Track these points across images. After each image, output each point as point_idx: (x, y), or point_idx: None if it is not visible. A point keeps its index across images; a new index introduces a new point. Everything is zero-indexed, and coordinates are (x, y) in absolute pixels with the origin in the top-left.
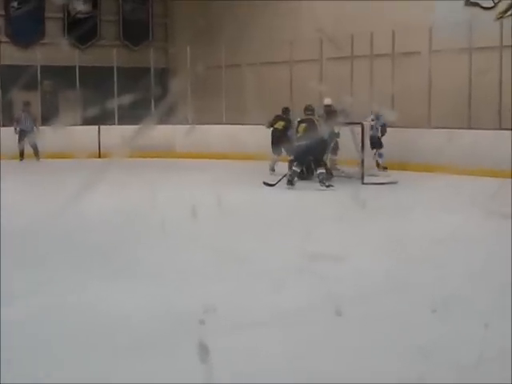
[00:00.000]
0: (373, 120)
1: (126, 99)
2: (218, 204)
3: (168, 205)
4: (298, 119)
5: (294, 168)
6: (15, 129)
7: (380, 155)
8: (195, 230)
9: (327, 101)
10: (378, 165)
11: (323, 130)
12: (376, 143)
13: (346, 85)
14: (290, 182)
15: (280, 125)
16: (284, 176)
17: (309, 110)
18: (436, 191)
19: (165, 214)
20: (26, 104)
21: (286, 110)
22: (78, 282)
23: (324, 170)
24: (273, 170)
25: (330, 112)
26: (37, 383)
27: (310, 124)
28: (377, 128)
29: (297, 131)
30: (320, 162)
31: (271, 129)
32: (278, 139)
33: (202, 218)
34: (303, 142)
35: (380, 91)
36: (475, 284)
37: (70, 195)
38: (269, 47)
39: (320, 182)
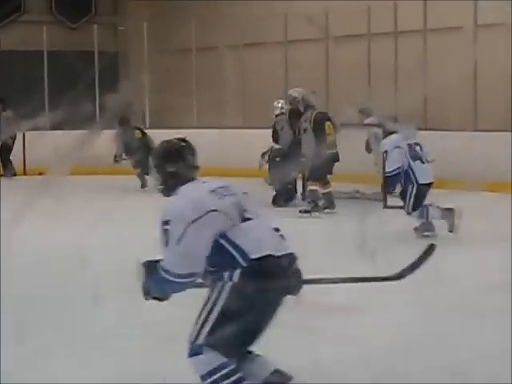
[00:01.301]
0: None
1: (61, 96)
2: None
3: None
4: None
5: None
6: None
7: None
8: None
9: (293, 92)
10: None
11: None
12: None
13: (359, 71)
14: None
15: None
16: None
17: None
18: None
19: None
20: None
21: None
22: None
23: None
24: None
25: (293, 110)
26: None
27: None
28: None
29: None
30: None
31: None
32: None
33: None
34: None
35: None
36: None
37: None
38: (256, 23)
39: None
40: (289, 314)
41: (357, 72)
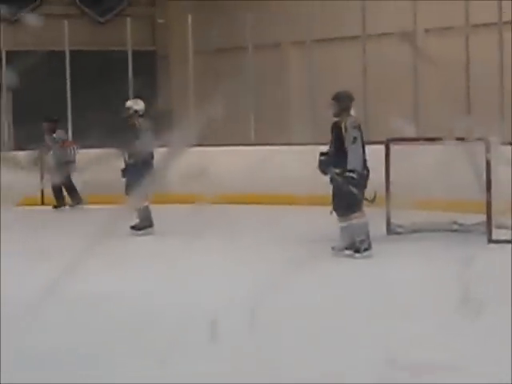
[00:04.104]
0: None
1: (86, 106)
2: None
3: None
4: None
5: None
6: None
7: None
8: None
9: (128, 103)
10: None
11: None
12: None
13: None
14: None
15: None
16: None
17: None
18: None
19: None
20: None
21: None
22: None
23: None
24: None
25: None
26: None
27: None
28: None
29: None
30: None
31: None
32: None
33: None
34: None
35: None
36: None
37: None
38: (327, 15)
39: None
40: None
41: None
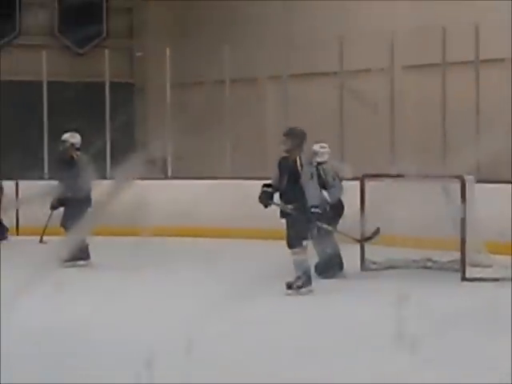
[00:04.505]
0: None
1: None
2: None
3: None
4: None
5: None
6: None
7: None
8: None
9: (65, 136)
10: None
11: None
12: None
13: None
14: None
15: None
16: None
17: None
18: None
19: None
20: None
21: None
22: None
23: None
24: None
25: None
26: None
27: None
28: None
29: None
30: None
31: None
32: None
33: None
34: None
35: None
36: None
37: None
38: (302, 49)
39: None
40: None
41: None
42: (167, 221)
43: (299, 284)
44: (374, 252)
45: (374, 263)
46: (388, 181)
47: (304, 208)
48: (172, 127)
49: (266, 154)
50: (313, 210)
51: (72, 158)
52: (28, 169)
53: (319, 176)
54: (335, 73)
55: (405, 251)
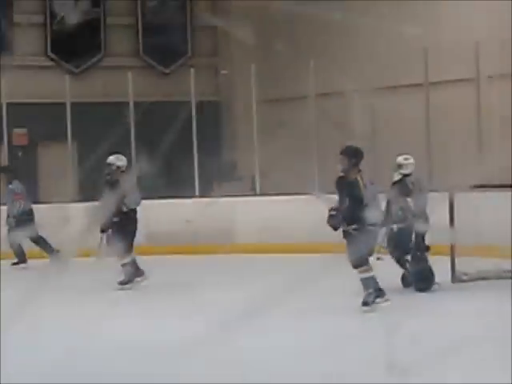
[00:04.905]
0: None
1: (151, 158)
2: None
3: None
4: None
5: None
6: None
7: None
8: None
9: (111, 159)
10: None
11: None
12: None
13: None
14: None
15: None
16: None
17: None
18: None
19: None
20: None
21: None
22: None
23: None
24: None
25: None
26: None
27: None
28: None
29: None
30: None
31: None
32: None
33: None
34: None
35: None
36: None
37: None
38: (389, 63)
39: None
40: None
41: None
42: (257, 237)
43: (371, 299)
44: (465, 263)
45: (466, 274)
46: (477, 191)
47: (364, 227)
48: (260, 144)
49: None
50: (371, 228)
51: (118, 181)
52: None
53: (405, 187)
54: (420, 84)
55: (496, 261)
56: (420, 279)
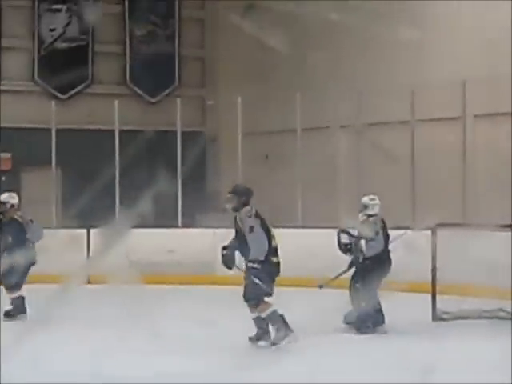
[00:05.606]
0: None
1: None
2: None
3: None
4: None
5: None
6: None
7: None
8: None
9: (2, 197)
10: None
11: None
12: None
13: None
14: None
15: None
16: None
17: None
18: None
19: None
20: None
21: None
22: None
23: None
24: None
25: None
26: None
27: None
28: None
29: None
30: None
31: None
32: None
33: None
34: None
35: None
36: None
37: None
38: (375, 98)
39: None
40: None
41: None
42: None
43: (283, 334)
44: (446, 302)
45: (446, 313)
46: (460, 230)
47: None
48: (244, 176)
49: (338, 203)
50: (249, 264)
51: (13, 219)
52: (99, 217)
53: (367, 229)
54: (407, 122)
55: (477, 301)
56: (361, 321)
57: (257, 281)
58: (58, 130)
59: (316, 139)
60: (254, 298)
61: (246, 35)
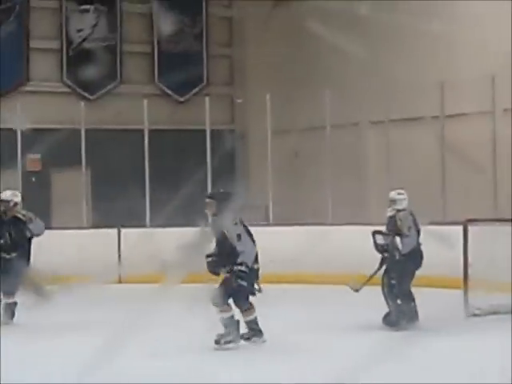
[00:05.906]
0: None
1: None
2: None
3: None
4: None
5: None
6: None
7: None
8: None
9: (4, 195)
10: None
11: None
12: None
13: None
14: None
15: None
16: None
17: None
18: None
19: None
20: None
21: None
22: None
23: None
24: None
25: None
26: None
27: None
28: None
29: None
30: None
31: None
32: None
33: None
34: None
35: None
36: None
37: None
38: (404, 94)
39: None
40: None
41: None
42: (270, 267)
43: (227, 339)
44: (478, 297)
45: (478, 309)
46: (491, 225)
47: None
48: (273, 173)
49: (367, 200)
50: (237, 268)
51: (16, 217)
52: (131, 217)
53: (395, 224)
54: (436, 117)
55: (509, 296)
56: (395, 318)
57: (244, 283)
58: (87, 131)
59: (345, 136)
60: (245, 301)
61: (273, 32)
